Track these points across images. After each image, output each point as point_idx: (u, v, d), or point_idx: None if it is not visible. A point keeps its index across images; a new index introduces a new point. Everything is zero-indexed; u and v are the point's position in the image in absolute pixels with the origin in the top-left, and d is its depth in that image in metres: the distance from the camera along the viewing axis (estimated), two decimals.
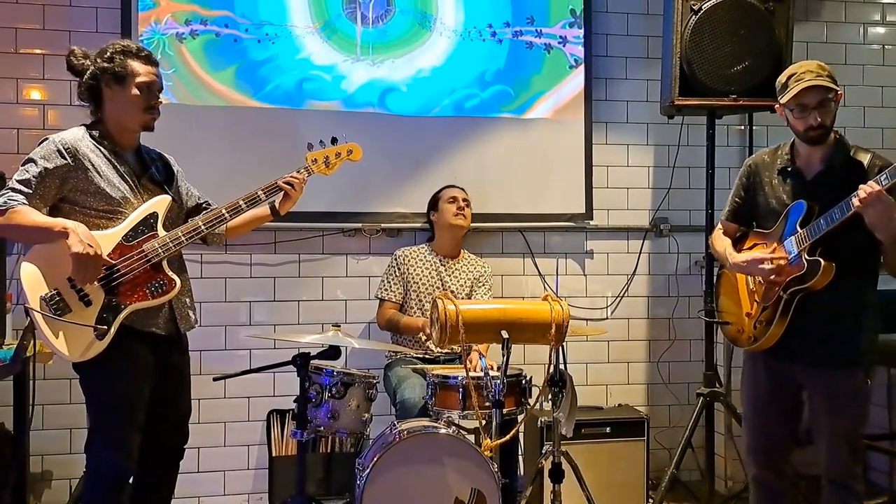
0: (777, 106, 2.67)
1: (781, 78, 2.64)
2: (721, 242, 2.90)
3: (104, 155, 2.56)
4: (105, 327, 2.45)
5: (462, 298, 3.70)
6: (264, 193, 2.76)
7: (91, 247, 2.38)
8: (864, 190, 2.38)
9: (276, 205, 2.85)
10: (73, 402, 3.64)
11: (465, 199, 3.83)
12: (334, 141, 2.94)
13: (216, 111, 3.89)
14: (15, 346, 3.24)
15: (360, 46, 4.14)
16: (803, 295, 2.59)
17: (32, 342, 2.53)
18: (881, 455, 4.03)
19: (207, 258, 3.77)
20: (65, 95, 3.77)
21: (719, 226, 2.98)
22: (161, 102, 2.66)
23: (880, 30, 4.60)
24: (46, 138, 2.55)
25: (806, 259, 2.56)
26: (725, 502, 3.90)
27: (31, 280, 2.43)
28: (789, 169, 2.70)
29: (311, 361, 2.90)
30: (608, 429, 3.67)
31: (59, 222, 2.42)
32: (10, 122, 3.74)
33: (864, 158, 2.59)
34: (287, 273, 3.99)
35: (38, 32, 3.77)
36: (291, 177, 2.81)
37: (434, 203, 3.86)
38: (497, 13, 4.29)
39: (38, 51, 3.78)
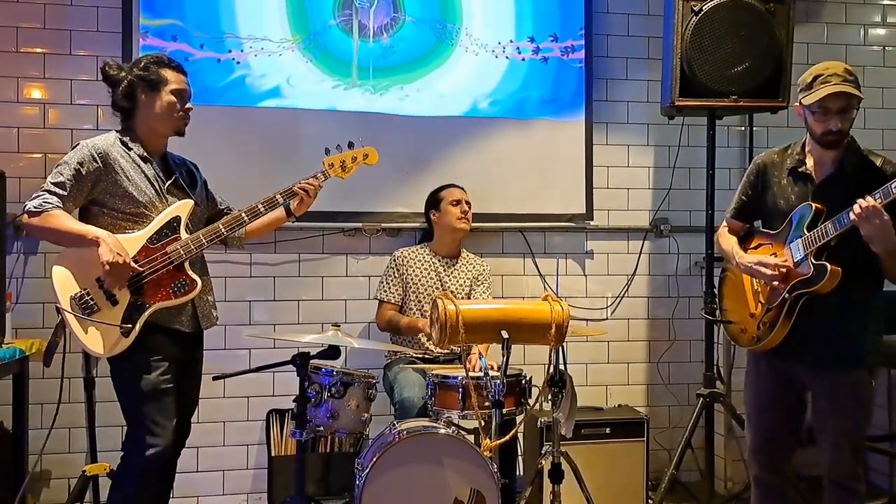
0: (796, 104, 2.64)
1: (807, 77, 2.60)
2: (727, 241, 2.90)
3: (133, 160, 2.69)
4: (130, 326, 2.58)
5: (461, 298, 3.70)
6: (282, 197, 2.88)
7: (120, 255, 2.52)
8: (860, 204, 2.38)
9: (292, 207, 2.97)
10: (72, 401, 3.63)
11: (467, 202, 3.81)
12: (351, 145, 3.02)
13: (212, 111, 3.80)
14: (15, 344, 3.26)
15: (356, 67, 3.68)
16: (811, 297, 2.58)
17: (63, 339, 2.67)
18: (881, 456, 4.02)
19: (207, 258, 3.70)
20: (65, 94, 3.78)
21: (724, 224, 2.97)
22: (191, 109, 2.80)
23: (881, 31, 4.60)
24: (79, 143, 2.68)
25: (812, 263, 2.54)
26: (725, 503, 3.90)
27: (62, 281, 2.57)
28: (799, 170, 2.68)
29: (311, 361, 2.89)
30: (608, 429, 3.66)
31: (91, 231, 2.56)
32: (10, 121, 3.74)
33: (877, 162, 2.58)
34: (287, 272, 3.99)
35: (39, 31, 3.77)
36: (308, 182, 2.92)
37: (436, 203, 3.83)
38: (541, 23, 3.81)
39: (38, 50, 3.77)
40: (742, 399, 2.94)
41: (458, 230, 3.78)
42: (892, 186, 2.35)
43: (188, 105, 2.78)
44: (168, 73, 2.73)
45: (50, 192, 2.57)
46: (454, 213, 3.76)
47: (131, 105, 2.72)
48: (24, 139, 3.75)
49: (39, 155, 3.76)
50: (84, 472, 3.30)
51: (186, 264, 2.69)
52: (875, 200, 2.36)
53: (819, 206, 2.57)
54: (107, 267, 2.48)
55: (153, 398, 2.63)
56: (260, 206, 2.83)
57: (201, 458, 3.84)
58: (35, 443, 3.50)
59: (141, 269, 2.60)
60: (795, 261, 2.60)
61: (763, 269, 2.65)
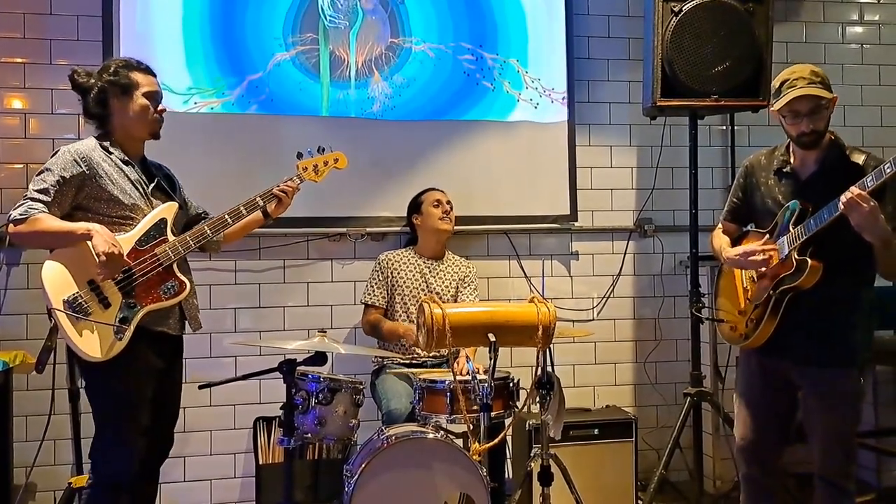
0: (772, 110, 2.68)
1: (775, 83, 2.65)
2: (718, 240, 2.93)
3: (115, 164, 2.68)
4: (125, 327, 2.57)
5: (448, 300, 3.70)
6: (262, 199, 2.91)
7: (115, 246, 2.51)
8: (847, 194, 2.40)
9: (269, 209, 2.98)
10: (57, 412, 3.60)
11: (448, 202, 3.81)
12: (321, 150, 3.06)
13: (193, 118, 3.74)
14: None
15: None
16: (796, 293, 2.60)
17: (55, 343, 2.61)
18: (869, 452, 4.04)
19: (191, 265, 3.72)
20: (46, 104, 3.75)
21: (719, 225, 3.00)
22: (164, 110, 2.79)
23: (858, 29, 4.64)
24: (59, 149, 2.66)
25: (795, 259, 2.57)
26: (714, 502, 3.91)
27: (54, 283, 2.53)
28: (785, 169, 2.72)
29: (298, 368, 2.88)
30: (596, 430, 3.66)
31: (81, 225, 2.55)
32: None
33: (860, 159, 2.60)
34: (272, 279, 3.97)
35: (19, 41, 3.74)
36: (286, 185, 2.95)
37: (417, 207, 3.83)
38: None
39: (18, 60, 3.74)
40: (730, 398, 2.95)
41: (440, 231, 3.78)
42: (868, 180, 2.37)
43: (161, 107, 2.77)
44: (139, 77, 2.71)
45: (33, 199, 2.54)
46: (436, 213, 3.77)
47: (104, 111, 2.70)
48: (5, 150, 3.72)
49: (21, 165, 3.73)
50: (70, 484, 3.28)
51: (175, 266, 2.70)
52: (868, 185, 2.38)
53: (805, 203, 2.60)
54: (102, 258, 2.46)
55: (129, 411, 2.61)
56: (242, 208, 2.85)
57: (188, 467, 3.81)
58: (20, 455, 3.48)
59: (131, 262, 2.60)
60: (781, 257, 2.63)
61: (752, 258, 2.67)
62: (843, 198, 2.41)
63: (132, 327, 2.58)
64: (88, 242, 2.50)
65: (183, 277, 2.71)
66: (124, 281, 2.59)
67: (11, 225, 2.53)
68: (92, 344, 2.52)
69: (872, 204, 2.38)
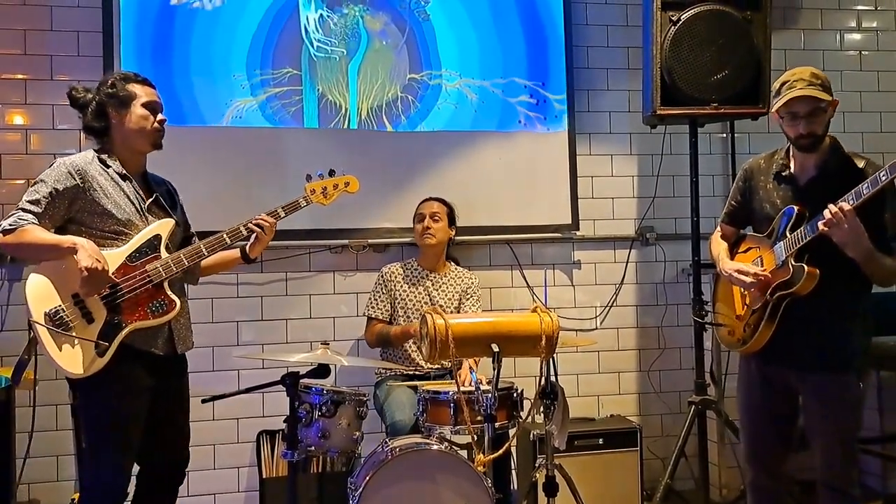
0: (773, 111, 2.68)
1: (776, 84, 2.66)
2: (717, 246, 2.93)
3: (111, 178, 2.64)
4: (106, 343, 2.50)
5: (451, 312, 3.69)
6: (246, 229, 2.81)
7: (99, 261, 2.44)
8: (828, 211, 2.40)
9: (247, 248, 2.88)
10: (60, 428, 3.60)
11: (433, 214, 3.76)
12: (332, 173, 3.01)
13: (190, 131, 3.68)
14: (0, 373, 3.23)
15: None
16: (794, 299, 2.60)
17: (34, 357, 2.59)
18: (874, 458, 4.03)
19: None
20: (47, 120, 3.76)
21: (718, 228, 3.00)
22: (165, 120, 2.74)
23: (856, 36, 4.66)
24: (56, 160, 2.63)
25: (792, 265, 2.57)
26: None
27: (37, 295, 2.49)
28: (784, 174, 2.72)
29: (301, 380, 2.87)
30: (601, 440, 3.66)
31: (67, 239, 2.49)
32: None
33: (859, 165, 2.60)
34: (274, 291, 3.97)
35: (20, 57, 3.76)
36: (260, 218, 2.82)
37: (413, 218, 3.84)
38: None
39: (20, 76, 3.76)
40: (735, 405, 2.95)
41: (424, 246, 3.78)
42: (864, 187, 2.38)
43: (161, 116, 2.72)
44: (136, 88, 2.68)
45: (24, 209, 2.51)
46: (418, 229, 3.78)
47: (104, 125, 2.66)
48: (7, 165, 3.73)
49: (22, 181, 3.73)
50: (73, 500, 3.26)
51: (166, 284, 2.62)
52: (848, 203, 2.39)
53: (802, 208, 2.60)
54: (85, 273, 2.40)
55: (120, 429, 2.56)
56: (241, 227, 2.79)
57: (192, 482, 3.78)
58: (24, 472, 3.46)
59: (118, 281, 2.53)
60: (778, 263, 2.62)
61: (742, 277, 2.69)
62: (826, 213, 2.41)
63: (115, 344, 2.51)
64: (74, 256, 2.44)
65: (173, 296, 2.63)
66: (110, 296, 2.53)
67: (1, 235, 2.50)
68: (72, 359, 2.46)
69: (854, 223, 2.38)
